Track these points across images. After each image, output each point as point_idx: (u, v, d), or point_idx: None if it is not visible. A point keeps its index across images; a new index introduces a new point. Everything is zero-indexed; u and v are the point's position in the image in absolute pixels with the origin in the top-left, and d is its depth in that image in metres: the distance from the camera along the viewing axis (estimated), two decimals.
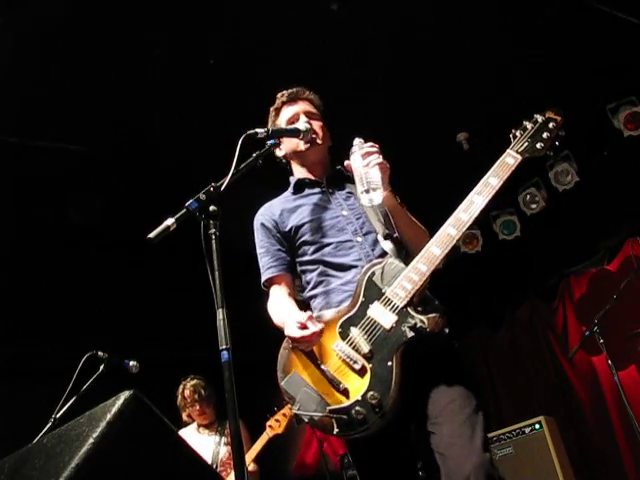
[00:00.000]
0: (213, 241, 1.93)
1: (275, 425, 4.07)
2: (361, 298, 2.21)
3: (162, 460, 1.64)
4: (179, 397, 4.32)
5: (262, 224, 2.62)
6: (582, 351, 4.96)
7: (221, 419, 4.31)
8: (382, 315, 2.14)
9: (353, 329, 2.16)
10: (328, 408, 2.10)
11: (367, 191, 2.25)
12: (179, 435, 1.82)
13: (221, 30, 3.86)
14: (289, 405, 4.08)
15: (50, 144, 4.38)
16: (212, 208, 1.98)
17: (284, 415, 4.11)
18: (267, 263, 2.56)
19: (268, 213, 2.63)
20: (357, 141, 2.40)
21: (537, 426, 5.08)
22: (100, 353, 3.44)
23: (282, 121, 2.67)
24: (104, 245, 5.52)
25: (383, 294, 2.18)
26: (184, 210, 1.97)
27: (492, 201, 2.25)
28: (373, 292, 2.20)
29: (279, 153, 2.70)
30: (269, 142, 2.33)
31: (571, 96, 5.02)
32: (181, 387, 4.35)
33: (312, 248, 2.46)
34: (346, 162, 2.44)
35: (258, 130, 2.29)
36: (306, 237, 2.48)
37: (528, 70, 4.66)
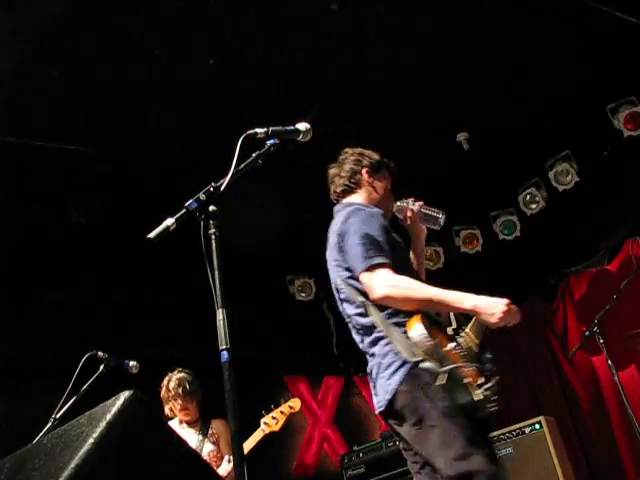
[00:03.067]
0: (213, 241, 1.94)
1: (272, 422, 4.00)
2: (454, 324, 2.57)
3: (162, 460, 1.64)
4: (163, 389, 4.07)
5: (385, 225, 2.75)
6: (582, 351, 4.96)
7: (204, 418, 4.17)
8: (469, 342, 2.54)
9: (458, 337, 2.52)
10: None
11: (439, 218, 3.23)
12: (179, 435, 1.82)
13: (222, 30, 3.86)
14: (289, 403, 4.09)
15: (50, 144, 4.37)
16: (212, 208, 1.99)
17: (282, 413, 4.06)
18: (386, 252, 2.60)
19: (386, 222, 2.81)
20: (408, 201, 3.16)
21: (537, 426, 5.08)
22: (100, 353, 3.43)
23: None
24: (104, 245, 5.52)
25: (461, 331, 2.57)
26: (184, 210, 1.97)
27: None
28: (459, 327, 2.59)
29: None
30: (269, 142, 2.32)
31: (571, 96, 5.02)
32: (166, 379, 4.10)
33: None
34: (403, 217, 3.10)
35: (258, 130, 2.29)
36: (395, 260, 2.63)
37: (528, 70, 4.66)
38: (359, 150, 3.07)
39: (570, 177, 5.50)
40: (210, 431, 4.05)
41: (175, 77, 4.10)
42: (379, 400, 2.56)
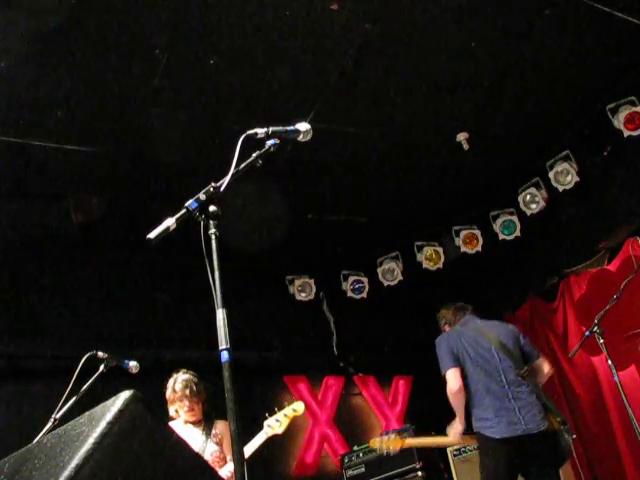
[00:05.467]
0: (213, 241, 1.93)
1: (275, 425, 3.98)
2: None
3: (162, 460, 1.64)
4: (169, 390, 4.03)
5: None
6: (582, 351, 4.97)
7: (208, 418, 4.17)
8: None
9: None
10: None
11: None
12: (179, 435, 1.82)
13: (221, 30, 3.86)
14: (292, 406, 4.09)
15: (50, 144, 4.37)
16: (212, 208, 1.99)
17: (285, 416, 4.03)
18: None
19: None
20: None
21: None
22: (100, 353, 3.42)
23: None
24: (104, 245, 5.52)
25: None
26: (184, 210, 1.97)
27: None
28: None
29: None
30: (269, 142, 2.32)
31: (571, 96, 5.03)
32: (172, 380, 4.06)
33: None
34: None
35: (258, 130, 2.29)
36: None
37: (528, 70, 4.66)
38: None
39: (570, 177, 5.49)
40: (213, 432, 4.04)
41: (175, 78, 4.10)
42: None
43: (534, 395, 4.11)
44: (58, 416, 3.14)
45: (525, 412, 4.00)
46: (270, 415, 4.03)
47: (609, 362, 4.11)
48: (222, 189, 2.05)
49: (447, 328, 4.60)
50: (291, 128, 2.52)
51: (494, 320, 4.56)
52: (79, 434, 1.54)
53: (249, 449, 3.85)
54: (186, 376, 4.07)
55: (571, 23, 4.28)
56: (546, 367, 4.42)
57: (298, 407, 4.10)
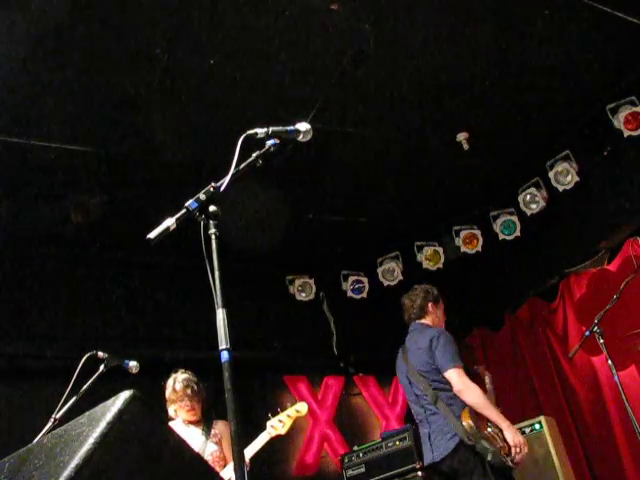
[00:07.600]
0: (213, 241, 1.94)
1: (278, 426, 3.98)
2: None
3: (162, 460, 1.64)
4: (168, 390, 4.04)
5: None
6: (582, 351, 4.96)
7: (207, 418, 4.17)
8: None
9: None
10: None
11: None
12: (179, 435, 1.82)
13: (221, 29, 3.86)
14: (295, 407, 4.11)
15: (50, 144, 4.37)
16: (212, 208, 1.99)
17: (288, 416, 4.03)
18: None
19: None
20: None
21: (537, 426, 5.08)
22: (100, 353, 3.42)
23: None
24: (104, 245, 5.52)
25: None
26: (184, 210, 1.97)
27: None
28: None
29: None
30: (269, 142, 2.32)
31: (571, 96, 5.03)
32: (171, 380, 4.07)
33: None
34: None
35: (258, 130, 2.28)
36: None
37: (528, 70, 4.66)
38: (425, 287, 4.36)
39: (570, 177, 5.49)
40: (213, 431, 4.04)
41: (175, 77, 4.10)
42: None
43: (445, 419, 3.76)
44: (58, 416, 3.14)
45: (434, 438, 3.80)
46: (273, 415, 4.03)
47: (609, 362, 4.11)
48: (222, 189, 2.05)
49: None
50: (291, 128, 2.51)
51: (420, 328, 4.24)
52: (79, 434, 1.54)
53: (252, 449, 3.86)
54: (186, 375, 4.07)
55: (571, 23, 4.28)
56: (453, 381, 3.77)
57: (301, 408, 4.10)
